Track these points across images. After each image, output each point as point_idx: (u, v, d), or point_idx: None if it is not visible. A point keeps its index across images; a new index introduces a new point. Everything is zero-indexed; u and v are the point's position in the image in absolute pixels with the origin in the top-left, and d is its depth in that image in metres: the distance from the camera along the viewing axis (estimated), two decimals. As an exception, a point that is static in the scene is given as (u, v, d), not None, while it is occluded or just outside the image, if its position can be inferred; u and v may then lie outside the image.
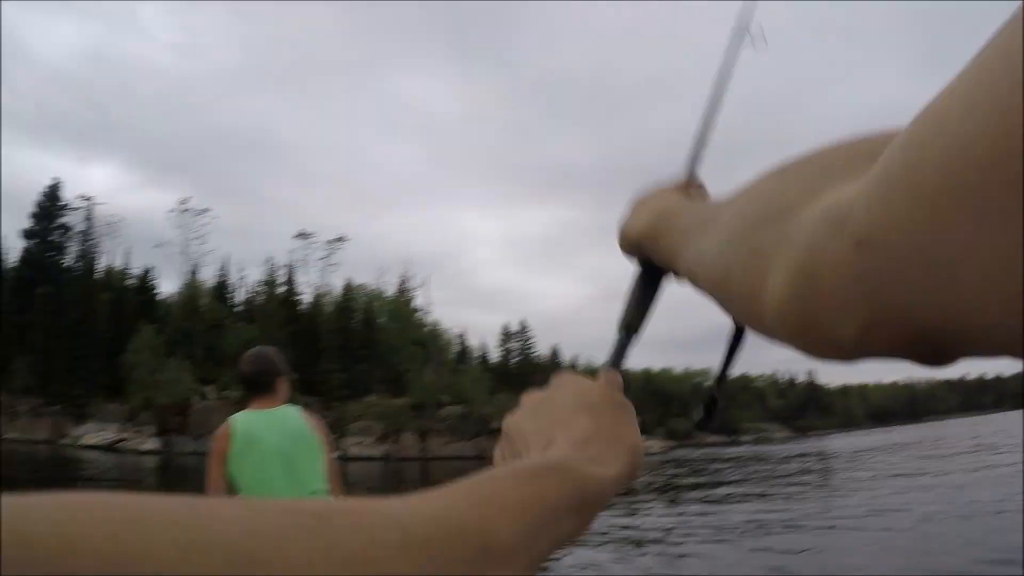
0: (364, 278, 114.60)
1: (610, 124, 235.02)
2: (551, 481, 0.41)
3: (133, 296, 61.57)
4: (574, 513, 0.42)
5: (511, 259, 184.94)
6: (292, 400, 3.58)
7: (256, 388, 3.47)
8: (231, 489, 3.26)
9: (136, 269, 65.23)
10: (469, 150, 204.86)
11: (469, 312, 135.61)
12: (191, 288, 64.31)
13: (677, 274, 0.61)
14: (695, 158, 0.78)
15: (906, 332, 0.29)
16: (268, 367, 3.49)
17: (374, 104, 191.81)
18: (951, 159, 0.23)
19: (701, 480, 22.57)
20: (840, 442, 56.10)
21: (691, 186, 0.69)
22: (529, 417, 0.57)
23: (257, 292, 68.87)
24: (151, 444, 47.66)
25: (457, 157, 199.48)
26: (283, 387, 3.53)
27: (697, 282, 0.49)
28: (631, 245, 0.67)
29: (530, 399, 0.60)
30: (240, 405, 3.60)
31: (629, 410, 0.58)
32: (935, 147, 0.24)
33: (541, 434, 0.54)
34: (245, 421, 3.35)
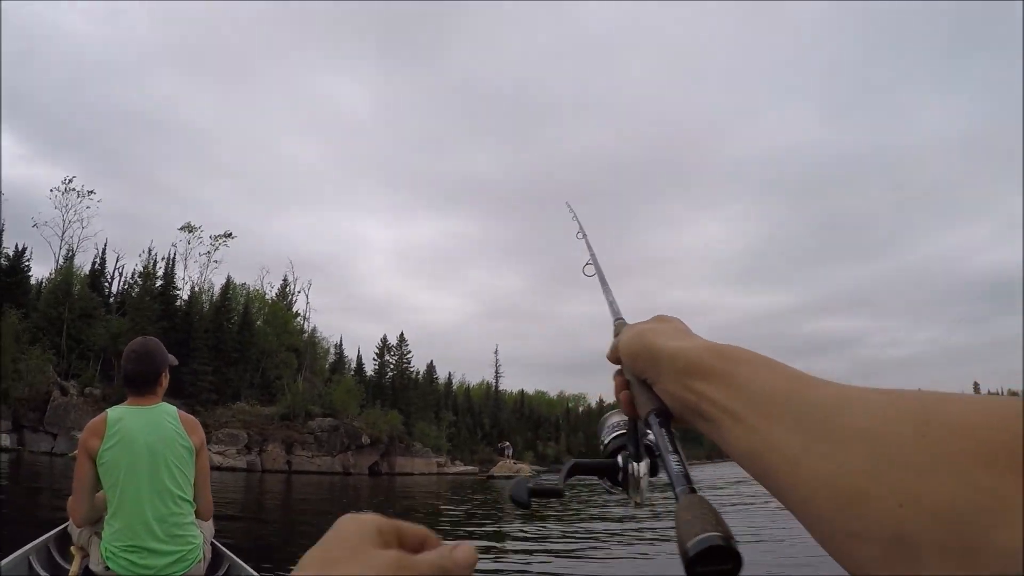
0: (247, 277, 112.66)
1: (523, 141, 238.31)
2: None
3: (1, 277, 57.82)
4: None
5: (399, 269, 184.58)
6: None
7: (136, 386, 3.42)
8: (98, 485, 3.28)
9: (9, 248, 61.37)
10: (375, 155, 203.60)
11: (350, 320, 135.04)
12: (65, 274, 61.31)
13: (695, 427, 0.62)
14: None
15: None
16: (152, 367, 3.45)
17: (286, 98, 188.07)
18: None
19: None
20: (703, 472, 57.89)
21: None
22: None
23: (133, 283, 66.51)
24: (4, 440, 44.54)
25: (362, 161, 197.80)
26: (165, 382, 3.53)
27: (779, 476, 0.48)
28: (634, 365, 0.70)
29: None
30: (102, 404, 4.09)
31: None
32: None
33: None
34: (120, 418, 3.29)
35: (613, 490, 0.77)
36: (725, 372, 0.56)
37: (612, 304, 1.05)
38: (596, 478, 0.79)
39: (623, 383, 0.74)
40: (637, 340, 0.69)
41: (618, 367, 0.77)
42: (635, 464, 0.73)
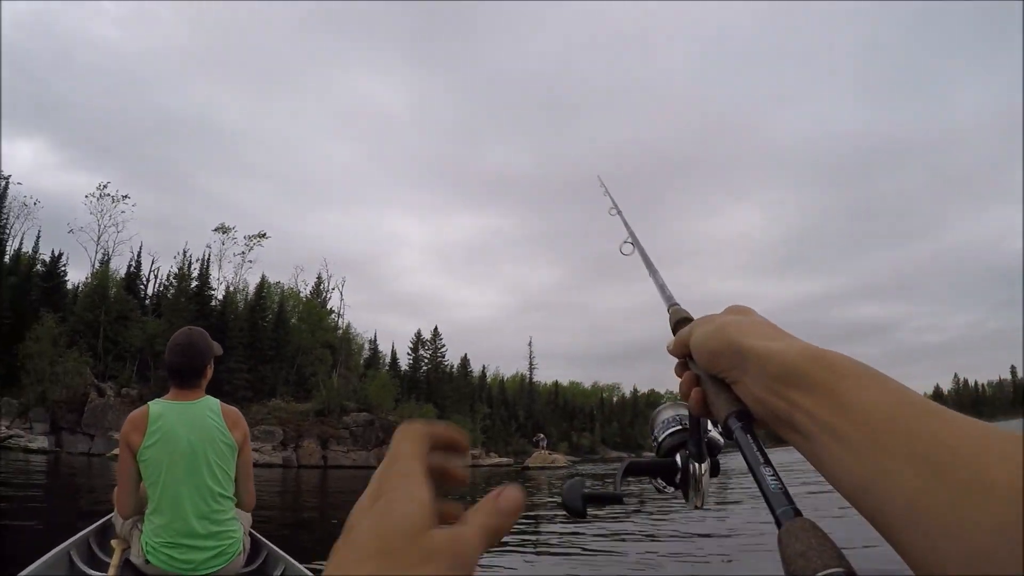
0: (281, 276, 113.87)
1: (558, 134, 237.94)
2: None
3: (39, 282, 59.63)
4: None
5: (433, 265, 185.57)
6: None
7: (180, 379, 3.39)
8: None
9: (46, 255, 63.17)
10: (410, 152, 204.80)
11: (385, 317, 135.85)
12: (100, 277, 62.68)
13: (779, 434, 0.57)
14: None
15: None
16: (198, 360, 3.42)
17: (320, 98, 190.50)
18: None
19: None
20: (732, 460, 57.58)
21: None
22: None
23: (168, 285, 67.73)
24: (41, 442, 45.54)
25: (397, 159, 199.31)
26: (209, 373, 3.50)
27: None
28: (712, 363, 0.64)
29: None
30: (139, 404, 3.58)
31: None
32: None
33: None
34: (161, 414, 3.26)
35: (665, 490, 0.73)
36: (827, 383, 0.51)
37: (663, 288, 0.95)
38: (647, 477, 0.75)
39: (692, 379, 0.68)
40: (718, 336, 0.63)
41: (679, 359, 0.72)
42: (697, 465, 0.69)
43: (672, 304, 0.88)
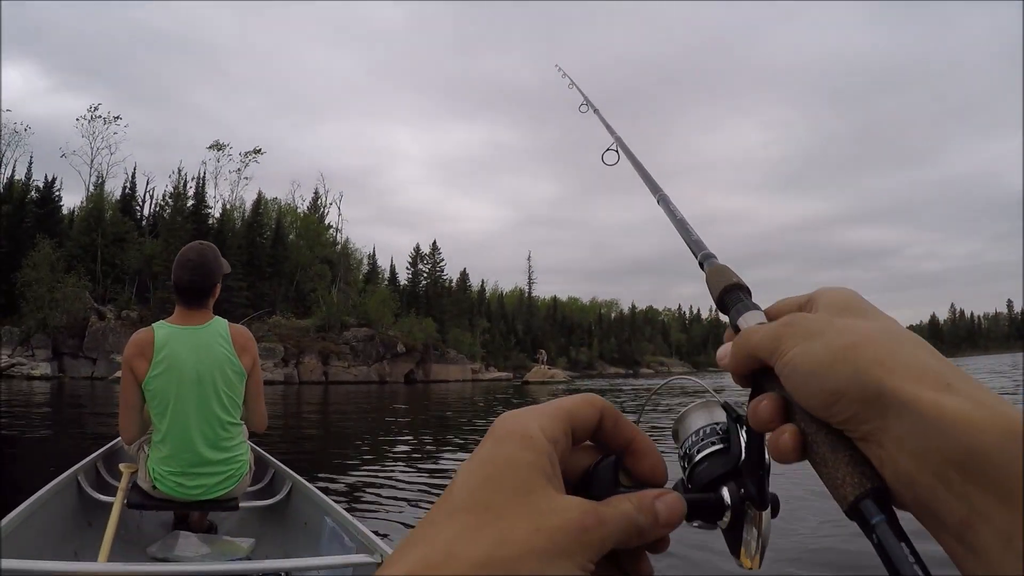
0: (278, 192, 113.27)
1: (557, 45, 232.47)
2: None
3: (34, 209, 59.41)
4: None
5: (432, 178, 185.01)
6: None
7: (188, 298, 3.20)
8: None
9: (39, 181, 62.64)
10: (409, 61, 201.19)
11: (383, 231, 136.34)
12: (96, 200, 62.43)
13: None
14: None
15: None
16: (208, 279, 3.21)
17: (313, 7, 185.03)
18: None
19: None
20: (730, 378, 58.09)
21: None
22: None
23: (164, 205, 67.43)
24: (44, 369, 46.18)
25: (394, 69, 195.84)
26: (217, 292, 3.31)
27: None
28: (830, 406, 0.40)
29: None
30: (139, 326, 3.36)
31: None
32: None
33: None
34: (168, 338, 3.11)
35: (705, 526, 0.47)
36: None
37: (686, 228, 0.67)
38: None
39: (778, 409, 0.44)
40: (845, 367, 0.39)
41: (742, 371, 0.48)
42: (758, 513, 0.45)
43: (706, 255, 0.61)
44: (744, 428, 0.46)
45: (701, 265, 0.59)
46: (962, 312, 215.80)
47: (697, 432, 0.49)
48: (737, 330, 0.49)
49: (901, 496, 0.38)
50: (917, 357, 0.39)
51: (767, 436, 0.44)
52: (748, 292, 0.53)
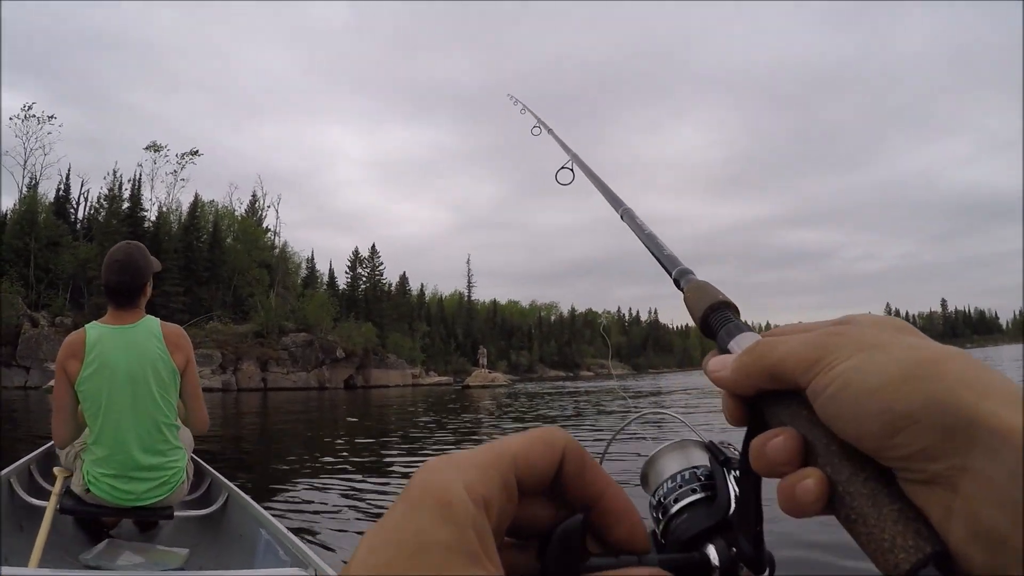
0: (215, 195, 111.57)
1: (497, 45, 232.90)
2: None
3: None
4: None
5: (371, 180, 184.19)
6: None
7: (119, 299, 3.19)
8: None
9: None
10: (349, 62, 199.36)
11: (322, 234, 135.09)
12: (29, 203, 60.69)
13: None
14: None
15: None
16: (137, 278, 3.20)
17: (251, 5, 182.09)
18: None
19: (542, 412, 21.98)
20: (673, 380, 55.90)
21: None
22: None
23: (99, 207, 66.02)
24: None
25: (334, 68, 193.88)
26: (148, 291, 3.29)
27: None
28: (887, 440, 0.30)
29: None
30: (74, 330, 3.29)
31: None
32: None
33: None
34: (99, 339, 3.09)
35: None
36: None
37: (656, 242, 0.64)
38: None
39: (797, 448, 0.34)
40: (919, 386, 0.30)
41: (740, 393, 0.38)
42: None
43: (681, 271, 0.56)
44: (733, 473, 0.39)
45: (677, 283, 0.54)
46: (897, 312, 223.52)
47: (673, 477, 0.42)
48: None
49: (970, 560, 0.28)
50: (1008, 384, 0.30)
51: (778, 482, 0.35)
52: (736, 311, 0.46)
